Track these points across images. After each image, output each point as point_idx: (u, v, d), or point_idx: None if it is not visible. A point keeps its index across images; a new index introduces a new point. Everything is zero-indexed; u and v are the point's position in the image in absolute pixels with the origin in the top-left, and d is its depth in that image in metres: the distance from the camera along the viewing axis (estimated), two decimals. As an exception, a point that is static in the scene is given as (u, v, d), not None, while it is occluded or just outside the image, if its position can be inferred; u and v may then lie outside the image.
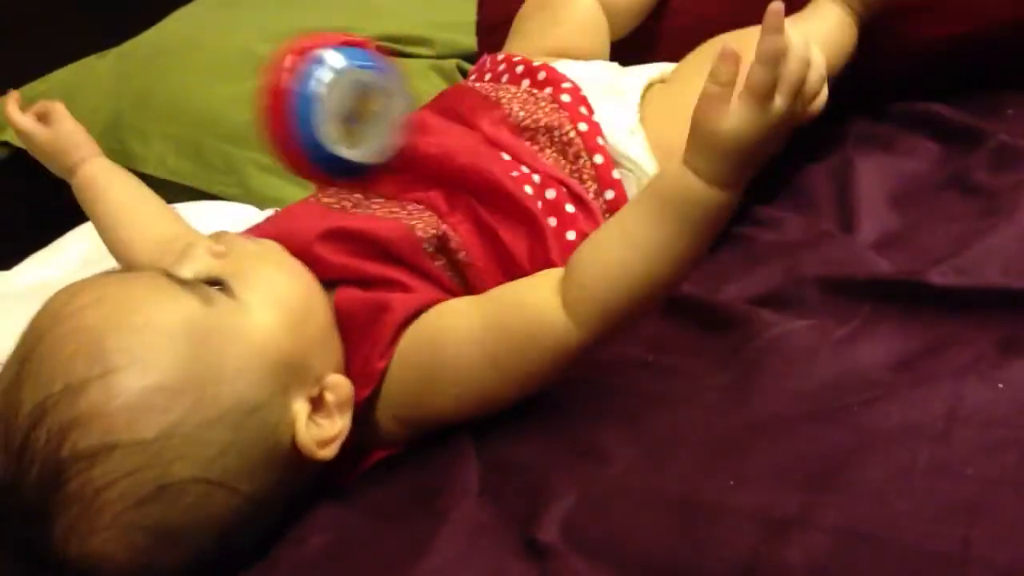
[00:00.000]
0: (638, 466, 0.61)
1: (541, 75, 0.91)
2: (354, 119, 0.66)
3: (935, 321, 0.66)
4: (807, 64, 0.59)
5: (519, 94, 0.89)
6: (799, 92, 0.59)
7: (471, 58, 1.40)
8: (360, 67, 0.66)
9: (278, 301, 0.65)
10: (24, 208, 1.59)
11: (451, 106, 0.88)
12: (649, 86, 0.93)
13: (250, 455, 0.60)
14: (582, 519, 0.58)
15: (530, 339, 0.65)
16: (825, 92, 0.59)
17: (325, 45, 0.66)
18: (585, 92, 0.89)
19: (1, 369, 0.61)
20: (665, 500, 0.57)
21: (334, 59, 0.65)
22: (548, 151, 0.85)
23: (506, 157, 0.82)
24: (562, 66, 0.93)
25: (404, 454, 0.70)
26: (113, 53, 1.58)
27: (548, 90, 0.90)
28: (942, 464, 0.53)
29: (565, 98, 0.88)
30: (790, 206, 0.89)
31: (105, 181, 0.92)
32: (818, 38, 0.91)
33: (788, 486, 0.55)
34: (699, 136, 0.60)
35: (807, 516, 0.52)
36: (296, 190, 1.33)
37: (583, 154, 0.85)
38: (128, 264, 0.88)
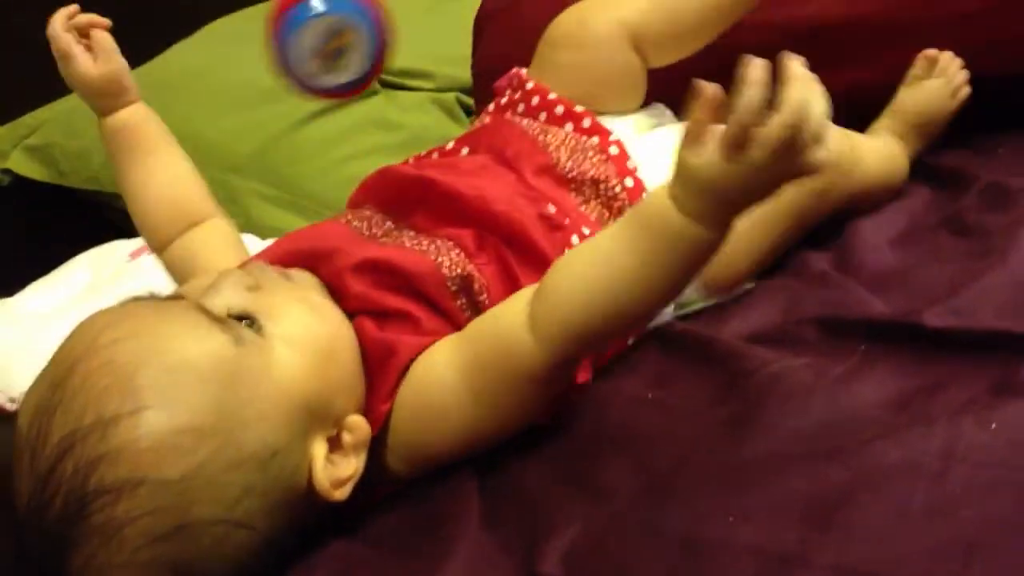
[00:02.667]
0: (639, 500, 0.62)
1: (586, 122, 0.89)
2: (335, 52, 0.81)
3: (930, 362, 0.67)
4: (793, 127, 0.53)
5: (567, 140, 0.87)
6: (787, 148, 0.54)
7: (471, 92, 1.42)
8: (334, 11, 0.82)
9: (306, 342, 0.65)
10: (25, 235, 1.59)
11: (496, 145, 0.87)
12: None
13: (270, 497, 0.61)
14: (584, 552, 0.59)
15: (501, 363, 0.65)
16: (823, 152, 0.53)
17: None
18: (630, 147, 0.88)
19: (30, 389, 0.62)
20: (666, 535, 0.58)
21: (315, 4, 0.83)
22: (592, 203, 0.84)
23: (552, 209, 0.80)
24: (606, 122, 0.90)
25: (407, 485, 0.70)
26: (117, 82, 1.58)
27: (596, 139, 0.87)
28: (939, 504, 0.54)
29: (614, 150, 0.86)
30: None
31: (147, 128, 0.89)
32: (872, 152, 0.94)
33: (787, 524, 0.56)
34: (678, 166, 0.58)
35: (807, 554, 0.53)
36: (296, 220, 1.34)
37: (627, 210, 0.80)
38: (136, 209, 0.87)
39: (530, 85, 0.93)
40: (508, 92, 0.96)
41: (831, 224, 0.91)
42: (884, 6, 1.03)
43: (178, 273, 0.86)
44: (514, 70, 0.97)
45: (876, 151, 0.97)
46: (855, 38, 1.04)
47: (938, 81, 1.01)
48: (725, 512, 0.58)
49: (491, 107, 0.97)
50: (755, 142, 0.54)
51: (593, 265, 0.62)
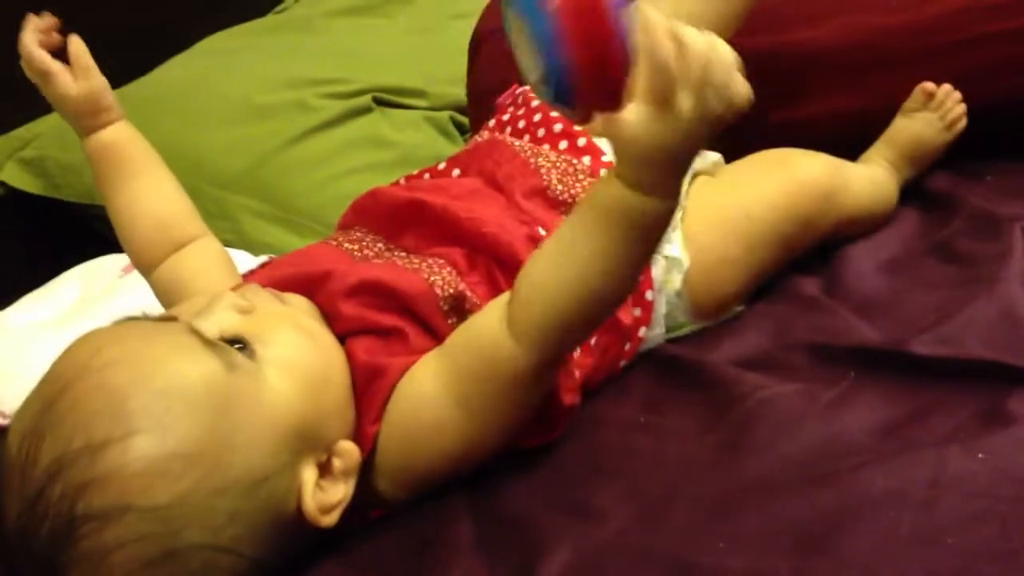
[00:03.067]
0: (632, 524, 0.62)
1: (581, 141, 0.90)
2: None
3: (918, 389, 0.68)
4: (707, 59, 0.52)
5: (558, 162, 0.87)
6: (708, 85, 0.53)
7: (465, 110, 1.42)
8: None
9: (297, 368, 0.65)
10: (17, 248, 1.59)
11: (487, 168, 0.87)
12: (694, 176, 0.91)
13: (258, 522, 0.61)
14: (576, 576, 0.60)
15: (486, 370, 0.65)
16: (743, 86, 0.53)
17: None
18: None
19: (21, 408, 0.61)
20: (657, 560, 0.59)
21: None
22: None
23: (542, 231, 0.80)
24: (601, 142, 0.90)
25: (399, 508, 0.71)
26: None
27: (587, 159, 0.88)
28: (925, 533, 0.55)
29: (603, 173, 0.85)
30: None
31: (132, 148, 0.86)
32: (861, 180, 0.96)
33: (778, 550, 0.56)
34: (616, 142, 0.57)
35: (796, 582, 0.54)
36: (289, 236, 1.35)
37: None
38: (122, 230, 0.86)
39: (535, 103, 0.94)
40: (511, 109, 0.97)
41: (820, 248, 0.92)
42: (877, 34, 1.05)
43: (166, 296, 0.85)
44: (517, 88, 0.98)
45: (865, 179, 0.98)
46: (849, 65, 1.05)
47: (934, 114, 1.02)
48: (716, 538, 0.59)
49: (491, 123, 0.98)
50: (678, 90, 0.53)
51: (559, 258, 0.62)
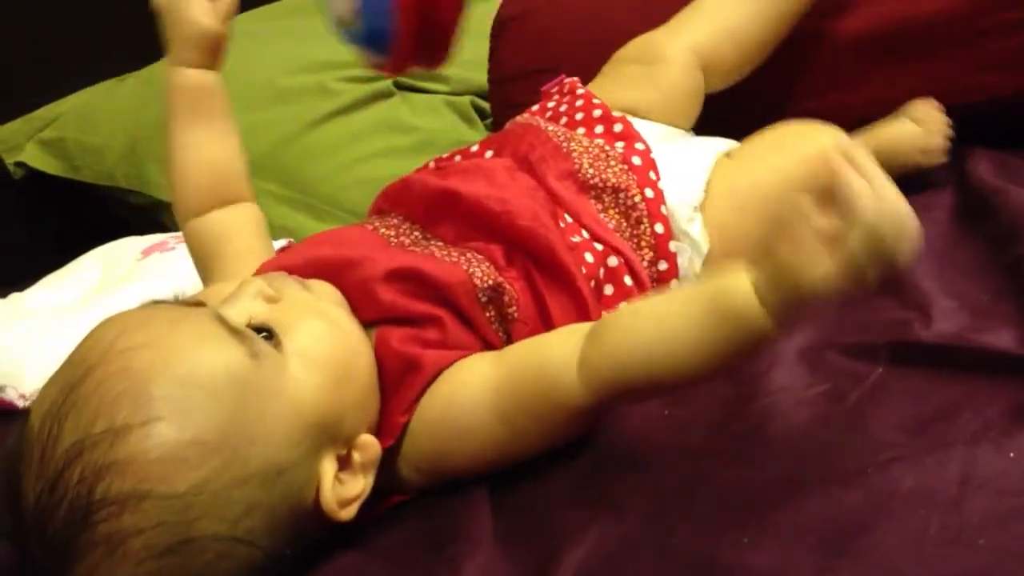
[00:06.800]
0: (653, 519, 0.62)
1: (617, 127, 0.90)
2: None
3: (948, 385, 0.67)
4: (876, 238, 0.54)
5: (591, 147, 0.88)
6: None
7: (485, 95, 1.41)
8: None
9: (322, 359, 0.65)
10: (38, 229, 1.60)
11: (521, 151, 0.87)
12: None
13: (275, 514, 0.61)
14: (596, 570, 0.59)
15: (542, 395, 0.65)
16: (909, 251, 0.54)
17: None
18: (655, 156, 0.88)
19: (43, 389, 0.61)
20: (680, 555, 0.58)
21: None
22: (611, 212, 0.84)
23: (568, 219, 0.81)
24: (639, 124, 0.92)
25: (417, 498, 0.70)
26: (134, 78, 1.59)
27: (620, 146, 0.89)
28: (955, 533, 0.54)
29: (636, 160, 0.87)
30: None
31: (216, 97, 0.87)
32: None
33: (802, 548, 0.55)
34: (773, 261, 0.57)
35: (822, 581, 0.53)
36: (309, 221, 1.35)
37: (645, 220, 0.83)
38: (178, 172, 0.86)
39: (580, 90, 0.95)
40: (556, 97, 0.98)
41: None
42: (910, 22, 1.03)
43: (198, 248, 0.86)
44: (566, 78, 1.00)
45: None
46: (880, 54, 1.04)
47: (918, 130, 0.99)
48: (739, 534, 0.58)
49: (535, 107, 0.99)
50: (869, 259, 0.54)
51: (656, 325, 0.62)
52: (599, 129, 0.91)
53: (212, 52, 0.86)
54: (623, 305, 0.66)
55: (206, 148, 0.86)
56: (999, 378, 0.66)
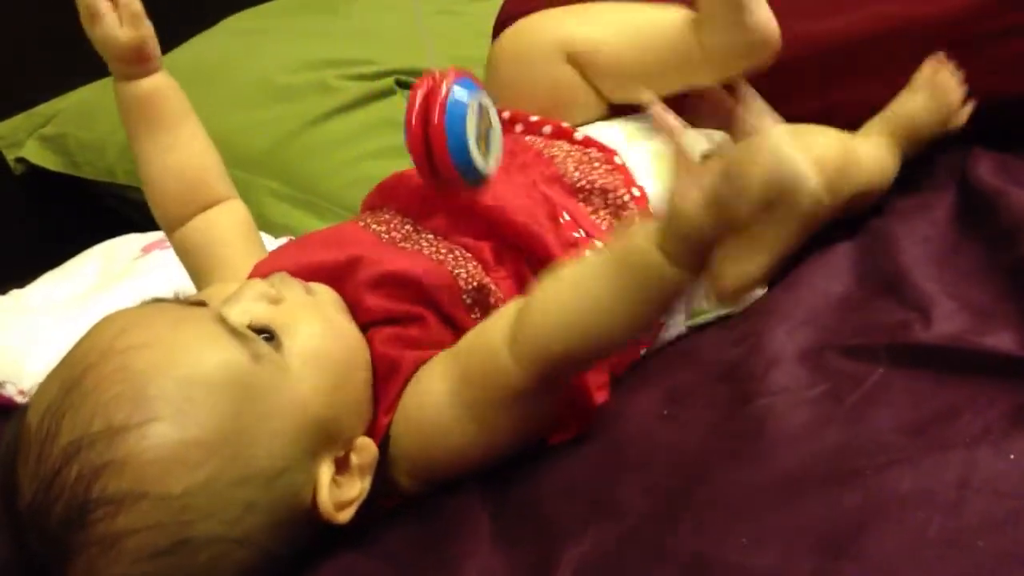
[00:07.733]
0: (652, 519, 0.62)
1: (578, 135, 0.90)
2: (481, 137, 0.76)
3: (948, 387, 0.67)
4: (773, 187, 0.54)
5: (572, 152, 0.88)
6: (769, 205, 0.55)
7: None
8: (479, 92, 0.76)
9: (322, 362, 0.65)
10: (39, 225, 1.59)
11: (503, 159, 0.85)
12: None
13: (273, 516, 0.61)
14: (595, 571, 0.59)
15: (486, 378, 0.65)
16: (811, 193, 0.55)
17: (453, 76, 0.76)
18: (625, 157, 0.88)
19: (41, 386, 0.61)
20: (679, 556, 0.58)
21: (465, 87, 0.76)
22: (602, 213, 0.84)
23: (566, 217, 0.80)
24: (592, 131, 0.91)
25: (416, 499, 0.70)
26: (132, 75, 1.59)
27: (594, 151, 0.88)
28: (954, 535, 0.54)
29: (619, 160, 0.87)
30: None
31: (169, 101, 0.85)
32: (868, 154, 0.94)
33: (801, 550, 0.55)
34: (669, 209, 0.59)
35: (821, 583, 0.53)
36: (309, 219, 1.34)
37: (637, 219, 0.81)
38: (151, 184, 0.84)
39: (506, 115, 0.93)
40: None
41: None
42: (906, 24, 1.03)
43: (189, 257, 0.84)
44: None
45: (872, 153, 0.96)
46: (877, 55, 1.04)
47: (932, 102, 0.98)
48: (738, 535, 0.58)
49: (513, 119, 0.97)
50: (739, 198, 0.55)
51: (574, 295, 0.63)
52: (577, 137, 0.90)
53: (140, 59, 0.83)
54: (548, 274, 0.66)
55: (171, 155, 0.84)
56: (999, 380, 0.66)
